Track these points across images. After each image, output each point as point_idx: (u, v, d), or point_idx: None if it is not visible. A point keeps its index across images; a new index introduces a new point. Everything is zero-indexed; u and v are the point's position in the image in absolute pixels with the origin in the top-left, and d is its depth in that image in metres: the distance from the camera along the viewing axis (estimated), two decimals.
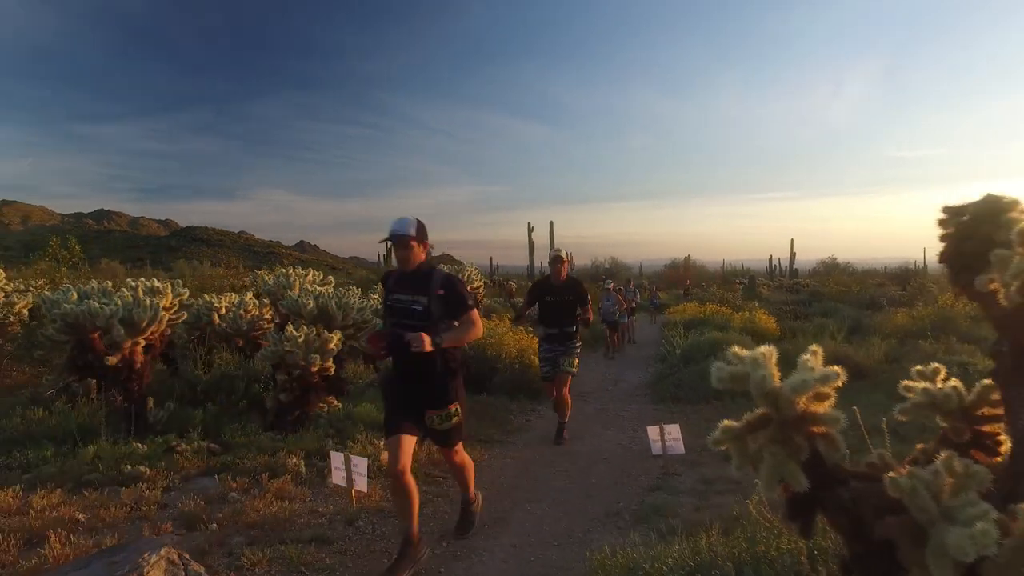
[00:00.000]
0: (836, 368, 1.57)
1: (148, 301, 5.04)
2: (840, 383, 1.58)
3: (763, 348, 1.66)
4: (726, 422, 1.75)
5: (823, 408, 1.57)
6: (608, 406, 8.18)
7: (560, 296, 6.06)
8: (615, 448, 6.07)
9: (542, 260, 42.78)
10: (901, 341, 10.52)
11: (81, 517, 3.75)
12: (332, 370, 5.36)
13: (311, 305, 5.49)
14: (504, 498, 4.68)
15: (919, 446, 1.96)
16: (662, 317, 21.75)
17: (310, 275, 6.89)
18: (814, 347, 1.71)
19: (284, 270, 7.00)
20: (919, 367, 2.01)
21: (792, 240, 52.34)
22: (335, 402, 6.06)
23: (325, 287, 6.23)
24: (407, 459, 3.44)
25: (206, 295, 7.32)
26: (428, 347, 3.21)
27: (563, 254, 6.13)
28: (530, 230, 42.29)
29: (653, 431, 5.18)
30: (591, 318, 6.12)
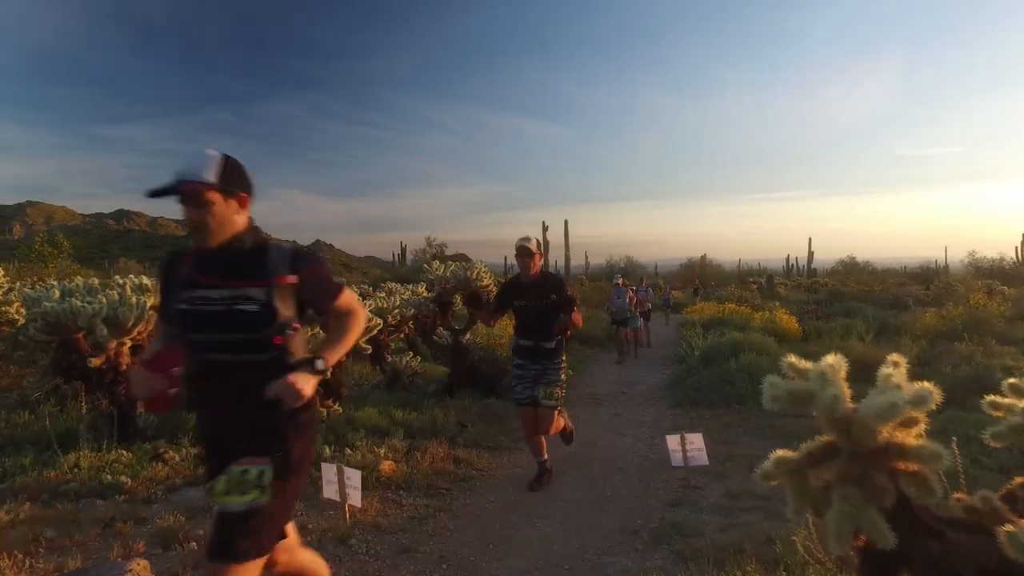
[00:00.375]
0: (930, 386, 1.20)
1: (135, 299, 4.74)
2: (934, 405, 1.22)
3: (830, 359, 1.29)
4: (780, 452, 1.38)
5: (912, 438, 1.20)
6: (623, 410, 7.79)
7: (532, 299, 4.60)
8: (632, 456, 5.69)
9: (556, 259, 42.37)
10: (931, 342, 10.03)
11: (49, 534, 3.45)
12: (328, 373, 5.03)
13: None
14: (511, 512, 4.32)
15: (1018, 480, 1.57)
16: (678, 317, 21.27)
17: None
18: (895, 357, 1.33)
19: None
20: (1013, 380, 1.63)
21: (810, 239, 51.68)
22: (335, 406, 5.74)
23: None
24: (281, 552, 2.18)
25: None
26: (311, 390, 2.00)
27: (532, 244, 4.65)
28: (544, 229, 42.00)
29: (673, 440, 4.80)
30: (579, 324, 4.72)
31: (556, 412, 4.70)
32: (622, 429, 6.77)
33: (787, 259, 56.78)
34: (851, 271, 48.58)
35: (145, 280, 5.10)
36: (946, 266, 47.91)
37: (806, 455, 1.31)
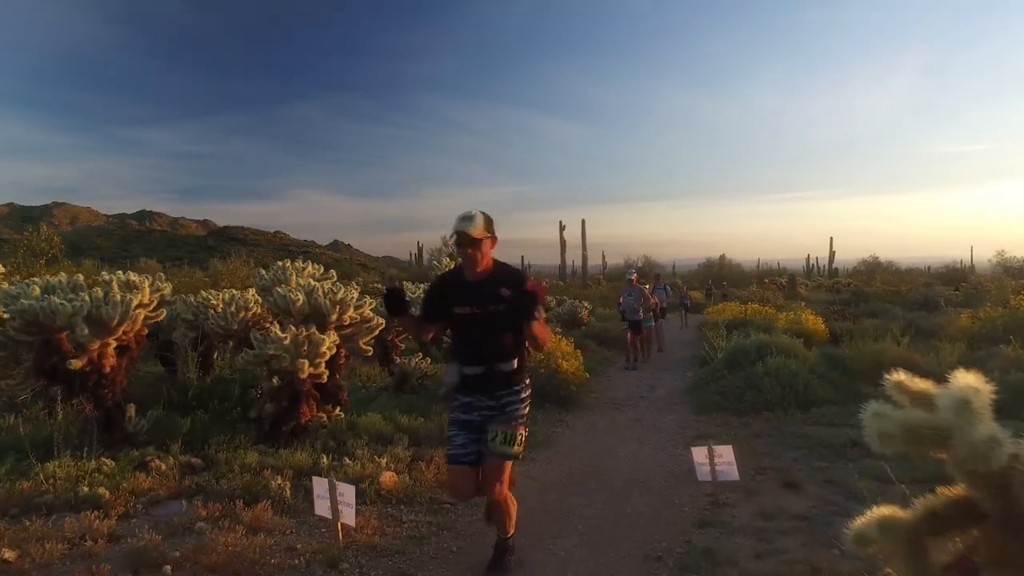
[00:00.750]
0: None
1: (119, 297, 4.43)
2: None
3: (970, 378, 0.88)
4: (884, 510, 0.98)
5: None
6: (644, 416, 7.36)
7: (482, 303, 3.03)
8: (654, 468, 5.27)
9: (574, 259, 41.94)
10: (970, 345, 9.47)
11: (9, 556, 3.13)
12: (324, 376, 4.69)
13: (300, 301, 4.82)
14: (521, 532, 3.90)
15: None
16: (697, 317, 20.71)
17: (308, 268, 6.21)
18: None
19: (281, 263, 6.39)
20: None
21: (832, 239, 50.83)
22: (337, 411, 5.39)
23: (323, 282, 5.58)
24: None
25: (203, 292, 6.74)
26: None
27: (477, 226, 3.00)
28: (561, 228, 41.64)
29: (699, 453, 4.38)
30: (546, 341, 3.25)
31: (508, 467, 3.13)
32: (643, 437, 6.35)
33: (807, 259, 55.96)
34: (874, 271, 47.57)
35: (133, 277, 4.79)
36: (972, 266, 46.75)
37: (927, 517, 0.91)
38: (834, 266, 51.94)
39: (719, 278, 37.94)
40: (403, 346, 8.86)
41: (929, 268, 51.48)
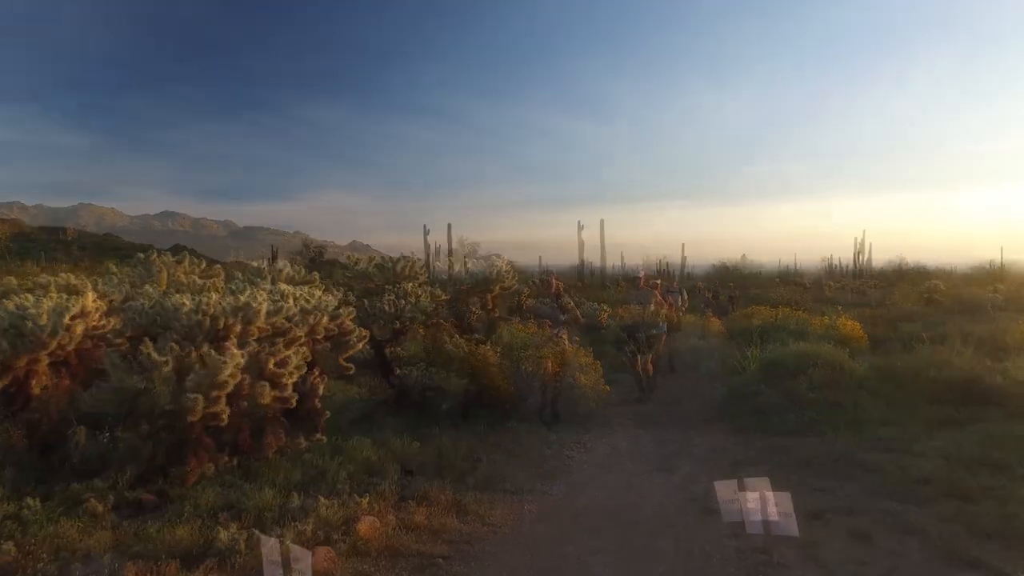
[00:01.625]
0: None
1: (49, 306, 3.72)
2: None
3: None
4: None
5: None
6: (670, 436, 6.51)
7: None
8: (686, 506, 4.44)
9: (592, 260, 41.09)
10: None
11: None
12: (293, 401, 3.94)
13: (263, 309, 3.95)
14: None
15: None
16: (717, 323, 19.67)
17: (287, 269, 5.46)
18: None
19: (256, 263, 5.66)
20: None
21: (856, 240, 49.22)
22: (318, 436, 4.64)
23: (300, 287, 4.80)
24: None
25: (179, 295, 6.03)
26: None
27: None
28: (580, 228, 40.73)
29: (749, 499, 3.55)
30: None
31: None
32: (671, 464, 5.50)
33: (829, 259, 54.28)
34: (904, 273, 45.86)
35: (73, 280, 4.08)
36: (1002, 266, 44.83)
37: None
38: (858, 267, 50.34)
39: (724, 281, 31.16)
40: (408, 351, 8.11)
41: (954, 269, 49.66)
